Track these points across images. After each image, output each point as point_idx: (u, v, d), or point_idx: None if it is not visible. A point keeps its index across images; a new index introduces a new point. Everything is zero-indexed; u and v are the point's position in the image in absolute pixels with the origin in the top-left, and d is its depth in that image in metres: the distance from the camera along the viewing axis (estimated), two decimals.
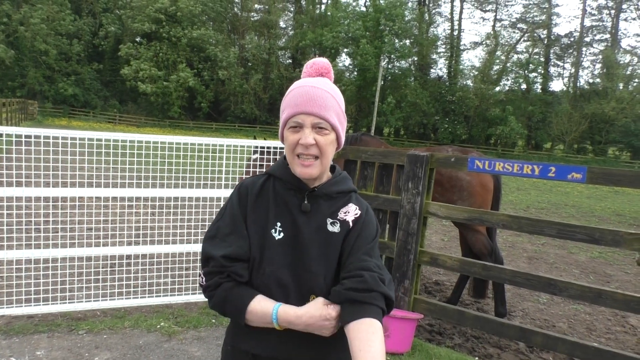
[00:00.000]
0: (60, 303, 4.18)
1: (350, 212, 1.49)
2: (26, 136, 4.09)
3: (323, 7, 58.82)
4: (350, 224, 1.47)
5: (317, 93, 1.40)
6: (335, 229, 1.45)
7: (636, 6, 53.88)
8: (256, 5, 57.68)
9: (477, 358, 4.14)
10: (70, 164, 4.00)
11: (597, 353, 3.31)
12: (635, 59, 52.51)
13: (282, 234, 1.43)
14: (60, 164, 3.96)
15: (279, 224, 1.44)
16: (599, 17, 55.81)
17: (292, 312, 1.36)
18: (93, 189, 4.13)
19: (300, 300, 1.40)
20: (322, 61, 1.51)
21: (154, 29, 47.23)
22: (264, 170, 1.63)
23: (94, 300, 4.29)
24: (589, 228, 3.37)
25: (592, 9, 56.47)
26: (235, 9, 57.54)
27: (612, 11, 54.86)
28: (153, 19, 46.91)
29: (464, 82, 54.26)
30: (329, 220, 1.46)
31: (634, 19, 61.88)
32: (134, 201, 7.52)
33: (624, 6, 54.18)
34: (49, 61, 45.69)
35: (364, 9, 55.16)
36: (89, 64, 50.16)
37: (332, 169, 1.57)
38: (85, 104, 48.53)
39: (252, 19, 57.83)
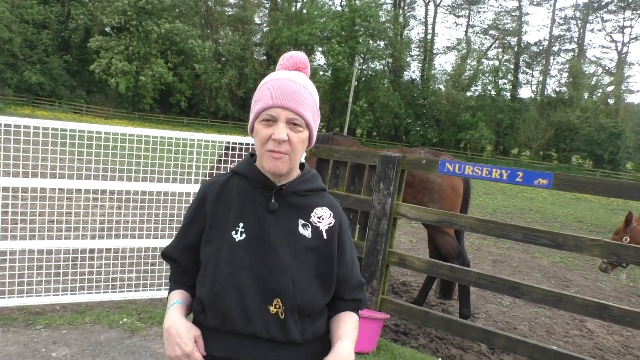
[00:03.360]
0: (17, 297, 4.02)
1: (324, 219, 1.45)
2: None
3: (299, 4, 58.74)
4: (325, 234, 1.43)
5: (294, 87, 1.35)
6: (307, 233, 1.41)
7: (602, 18, 55.75)
8: (230, 0, 57.19)
9: (440, 359, 4.19)
10: (32, 154, 3.87)
11: (555, 356, 3.39)
12: (600, 70, 54.36)
13: (244, 235, 1.38)
14: (22, 153, 3.82)
15: (241, 224, 1.39)
16: (567, 27, 57.62)
17: (168, 316, 1.39)
18: (56, 180, 4.00)
19: (261, 304, 1.34)
20: (300, 55, 1.45)
21: (123, 22, 46.14)
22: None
23: (53, 295, 4.15)
24: (553, 233, 3.45)
25: (561, 19, 58.27)
26: (209, 3, 56.83)
27: (579, 22, 56.66)
28: (122, 11, 45.79)
29: (436, 87, 55.09)
30: (301, 222, 1.42)
31: (600, 30, 64.11)
32: (99, 194, 7.34)
33: (591, 17, 56.03)
34: (12, 49, 44.03)
35: (339, 8, 55.32)
36: (56, 53, 48.56)
37: (301, 167, 1.52)
38: (51, 93, 47.03)
39: (226, 13, 57.28)
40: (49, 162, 4.02)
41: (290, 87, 1.35)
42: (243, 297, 1.33)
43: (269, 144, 1.34)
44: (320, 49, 53.73)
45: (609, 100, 51.48)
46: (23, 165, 3.89)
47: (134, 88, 46.48)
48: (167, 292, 4.24)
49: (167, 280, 4.43)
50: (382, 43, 53.89)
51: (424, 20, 60.04)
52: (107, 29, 49.23)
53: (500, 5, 68.78)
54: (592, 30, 69.49)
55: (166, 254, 1.54)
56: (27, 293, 4.12)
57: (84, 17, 48.43)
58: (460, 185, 5.05)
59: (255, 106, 1.39)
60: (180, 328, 1.34)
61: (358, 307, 1.54)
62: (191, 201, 1.55)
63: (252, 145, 4.55)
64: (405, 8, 60.59)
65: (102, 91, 50.42)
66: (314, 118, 1.41)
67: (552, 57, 57.19)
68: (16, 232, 4.02)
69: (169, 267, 1.57)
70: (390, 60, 55.32)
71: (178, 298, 1.46)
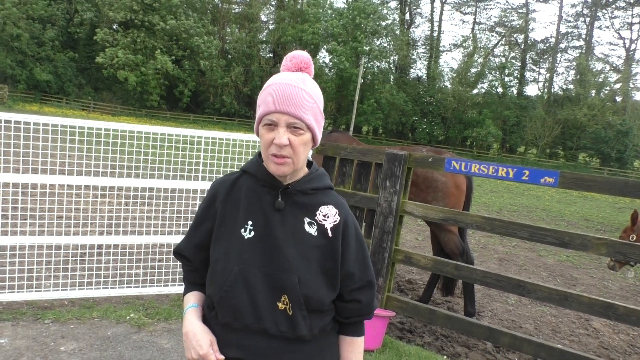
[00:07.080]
0: (26, 291, 4.07)
1: (330, 217, 1.46)
2: None
3: (304, 2, 58.60)
4: (330, 232, 1.44)
5: (293, 92, 1.36)
6: (313, 230, 1.43)
7: (611, 15, 55.29)
8: None
9: (445, 357, 4.20)
10: (42, 150, 3.90)
11: (561, 355, 3.39)
12: (607, 67, 53.95)
13: (252, 233, 1.41)
14: (32, 150, 3.86)
15: (250, 222, 1.42)
16: (575, 24, 57.24)
17: (186, 320, 1.46)
18: (64, 176, 4.04)
19: (270, 300, 1.37)
20: (302, 55, 1.45)
21: (129, 17, 46.22)
22: None
23: (62, 290, 4.20)
24: (559, 232, 3.44)
25: (568, 15, 57.88)
26: (216, 1, 56.79)
27: (587, 19, 56.22)
28: (129, 8, 45.88)
29: (443, 84, 54.84)
30: (306, 220, 1.43)
31: (607, 27, 63.61)
32: (107, 190, 7.38)
33: (599, 14, 55.56)
34: (21, 46, 44.21)
35: (344, 5, 55.09)
36: (64, 50, 48.67)
37: (310, 165, 1.54)
38: (59, 90, 47.26)
39: (232, 11, 57.28)
40: (58, 158, 4.05)
41: (290, 92, 1.36)
42: (253, 294, 1.37)
43: (272, 148, 1.37)
44: (326, 46, 53.60)
45: (616, 97, 51.09)
46: (32, 161, 3.93)
47: (141, 84, 46.58)
48: (173, 288, 4.26)
49: (174, 277, 4.47)
50: (386, 41, 53.63)
51: (430, 17, 59.84)
52: (115, 26, 49.31)
53: (507, 2, 68.31)
54: (600, 27, 69.06)
55: (178, 252, 1.57)
56: (35, 288, 4.17)
57: (90, 13, 48.50)
58: (463, 183, 5.05)
59: (258, 110, 1.42)
60: (196, 331, 1.41)
61: (359, 312, 1.51)
62: (199, 198, 1.57)
63: None
64: (411, 6, 60.37)
65: (110, 88, 50.59)
66: (316, 119, 1.42)
67: (559, 54, 56.84)
68: (25, 227, 4.06)
69: (176, 263, 1.61)
70: (396, 58, 55.11)
71: (193, 301, 1.51)
